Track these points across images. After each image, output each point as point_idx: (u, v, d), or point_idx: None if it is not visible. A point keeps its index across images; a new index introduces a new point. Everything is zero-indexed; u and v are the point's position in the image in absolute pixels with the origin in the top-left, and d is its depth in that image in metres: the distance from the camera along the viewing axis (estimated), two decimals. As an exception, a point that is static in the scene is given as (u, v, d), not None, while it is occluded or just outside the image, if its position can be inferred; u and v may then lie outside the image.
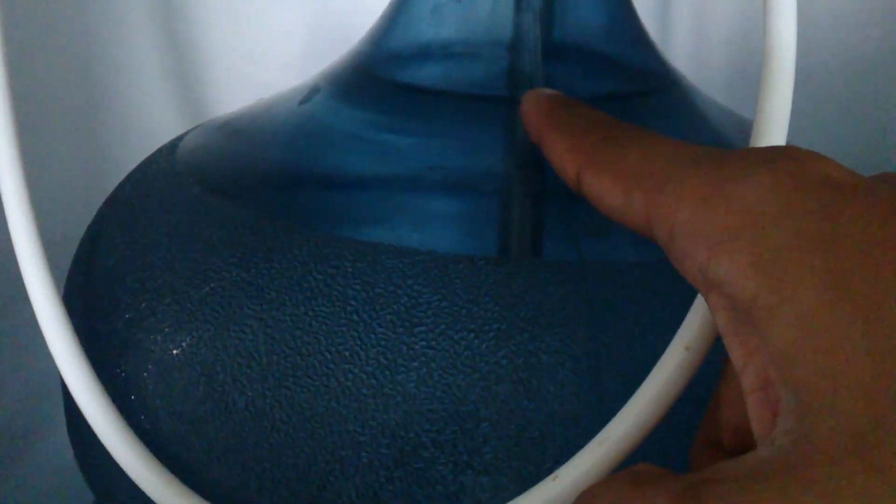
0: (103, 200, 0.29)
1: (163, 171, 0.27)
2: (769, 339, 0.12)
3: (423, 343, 0.20)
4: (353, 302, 0.20)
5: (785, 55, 0.17)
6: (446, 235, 0.23)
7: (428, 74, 0.26)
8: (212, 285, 0.22)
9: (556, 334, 0.20)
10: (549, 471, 0.17)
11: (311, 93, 0.27)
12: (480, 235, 0.23)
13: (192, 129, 0.31)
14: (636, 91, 0.26)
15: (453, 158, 0.24)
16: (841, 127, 0.41)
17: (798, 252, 0.12)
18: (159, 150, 0.29)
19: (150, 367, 0.22)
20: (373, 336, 0.20)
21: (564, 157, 0.18)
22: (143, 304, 0.23)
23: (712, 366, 0.17)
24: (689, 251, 0.14)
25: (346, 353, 0.20)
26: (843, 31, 0.40)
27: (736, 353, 0.13)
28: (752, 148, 0.15)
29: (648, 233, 0.15)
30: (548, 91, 0.22)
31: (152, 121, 0.43)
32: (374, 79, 0.26)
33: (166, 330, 0.22)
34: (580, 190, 0.17)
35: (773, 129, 0.16)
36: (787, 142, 0.18)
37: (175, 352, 0.22)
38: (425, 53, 0.26)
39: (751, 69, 0.32)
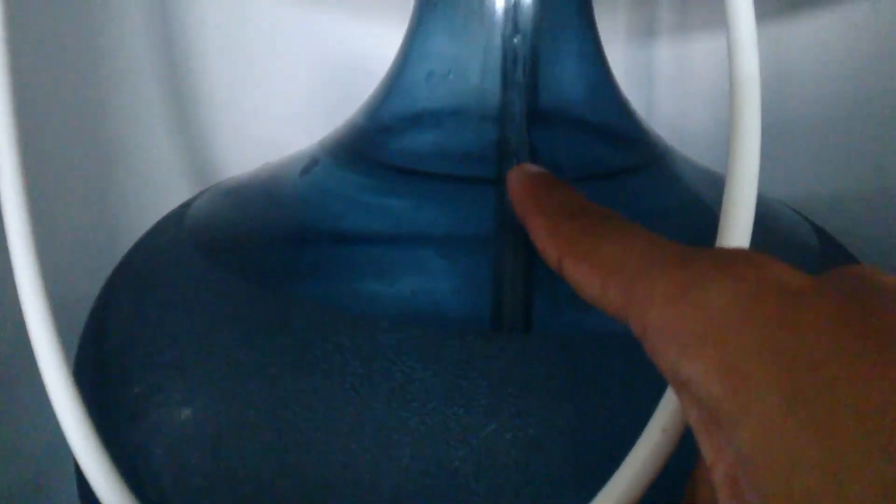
0: (113, 261, 0.30)
1: (171, 241, 0.28)
2: (734, 442, 0.13)
3: (417, 419, 0.20)
4: (350, 377, 0.21)
5: (749, 162, 0.18)
6: (441, 290, 0.24)
7: (420, 145, 0.27)
8: (216, 360, 0.23)
9: (543, 408, 0.21)
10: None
11: (311, 164, 0.29)
12: (472, 296, 0.24)
13: (201, 193, 0.33)
14: (621, 168, 0.27)
15: (444, 230, 0.25)
16: (823, 177, 0.42)
17: (758, 361, 0.13)
18: (168, 218, 0.30)
19: (158, 439, 0.23)
20: (369, 411, 0.21)
21: (547, 243, 0.19)
22: (152, 378, 0.24)
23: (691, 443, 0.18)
24: (660, 350, 0.15)
25: (344, 428, 0.21)
26: (822, 85, 0.41)
27: (706, 448, 0.14)
28: (717, 250, 0.16)
29: (625, 323, 0.16)
30: (532, 169, 0.23)
31: (161, 180, 0.44)
32: (369, 151, 0.27)
33: (174, 403, 0.23)
34: (562, 275, 0.18)
35: (738, 229, 0.17)
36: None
37: (182, 425, 0.23)
38: (418, 123, 0.28)
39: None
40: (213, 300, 0.24)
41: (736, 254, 0.15)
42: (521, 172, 0.23)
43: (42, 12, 0.39)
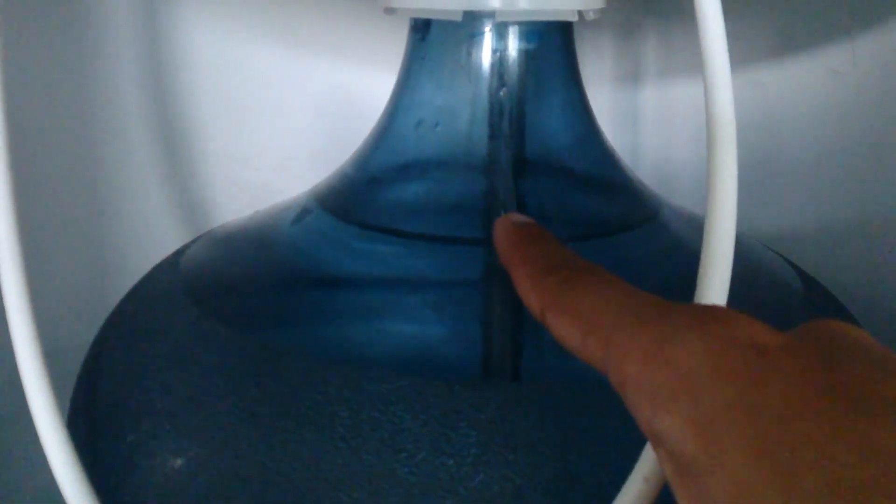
0: (107, 307, 0.30)
1: (163, 291, 0.28)
2: (707, 496, 0.13)
3: (406, 469, 0.21)
4: (339, 428, 0.22)
5: (725, 222, 0.18)
6: (430, 339, 0.25)
7: (409, 196, 0.28)
8: (208, 410, 0.23)
9: (531, 457, 0.21)
10: None
11: (303, 213, 0.29)
12: (462, 345, 0.25)
13: (194, 240, 0.33)
14: (608, 219, 0.28)
15: (433, 280, 0.25)
16: (807, 218, 0.43)
17: (728, 417, 0.13)
18: (160, 266, 0.31)
19: (150, 489, 0.23)
20: (358, 462, 0.21)
21: (530, 295, 0.20)
22: (144, 428, 0.24)
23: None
24: (636, 404, 0.15)
25: (333, 479, 0.21)
26: (806, 128, 0.42)
27: (681, 499, 0.15)
28: (691, 306, 0.16)
29: (606, 375, 0.17)
30: (518, 218, 0.23)
31: (155, 226, 0.45)
32: (358, 203, 0.28)
33: (166, 453, 0.23)
34: (545, 326, 0.19)
35: (715, 284, 0.18)
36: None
37: (174, 475, 0.23)
38: (406, 174, 0.28)
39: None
40: (204, 350, 0.24)
41: (709, 310, 0.16)
42: (507, 222, 0.23)
43: (38, 60, 0.40)
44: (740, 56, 0.43)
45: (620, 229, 0.28)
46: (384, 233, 0.26)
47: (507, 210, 0.26)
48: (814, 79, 0.42)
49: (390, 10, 0.27)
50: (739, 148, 0.41)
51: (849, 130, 0.41)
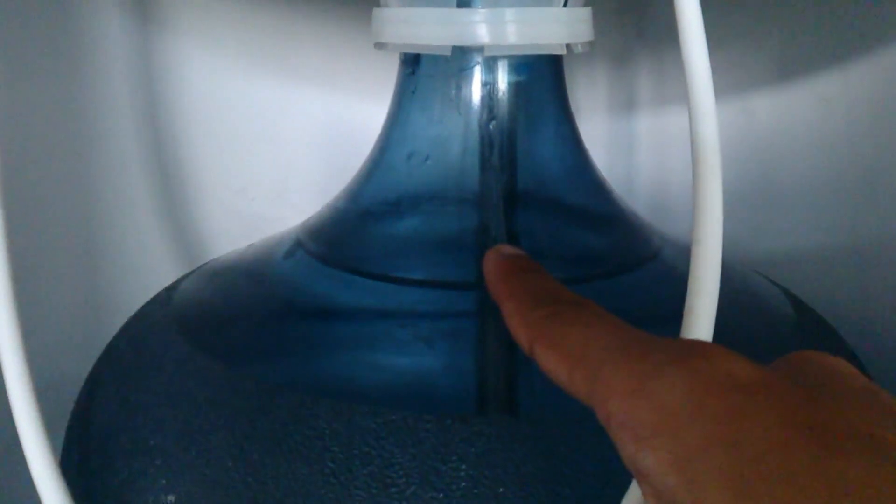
0: (101, 341, 0.30)
1: (156, 327, 0.28)
2: None
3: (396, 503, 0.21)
4: (330, 464, 0.22)
5: (711, 260, 0.18)
6: (424, 373, 0.25)
7: (400, 231, 0.28)
8: (200, 446, 0.23)
9: (520, 492, 0.21)
10: None
11: (294, 247, 0.29)
12: (456, 379, 0.25)
13: (187, 275, 0.33)
14: (608, 270, 0.28)
15: (426, 314, 0.25)
16: (799, 244, 0.43)
17: (709, 454, 0.13)
18: (154, 301, 0.31)
19: (142, 525, 0.23)
20: (348, 497, 0.21)
21: (518, 329, 0.20)
22: (136, 465, 0.24)
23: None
24: (620, 440, 0.15)
25: (325, 514, 0.21)
26: (797, 155, 0.43)
27: None
28: (675, 342, 0.16)
29: (592, 409, 0.17)
30: (508, 250, 0.23)
31: (149, 258, 0.45)
32: (350, 239, 0.28)
33: (159, 490, 0.23)
34: (533, 359, 0.19)
35: (701, 321, 0.18)
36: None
37: (165, 511, 0.23)
38: (398, 208, 0.28)
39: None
40: (197, 386, 0.25)
41: (690, 346, 0.16)
42: (496, 254, 0.23)
43: (32, 91, 0.40)
44: (734, 84, 0.44)
45: (621, 269, 0.28)
46: (375, 279, 0.26)
47: (498, 242, 0.26)
48: (805, 106, 0.42)
49: (380, 46, 0.28)
50: (732, 175, 0.42)
51: (840, 158, 0.41)
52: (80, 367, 0.30)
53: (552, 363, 0.18)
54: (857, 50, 0.40)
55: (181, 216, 0.46)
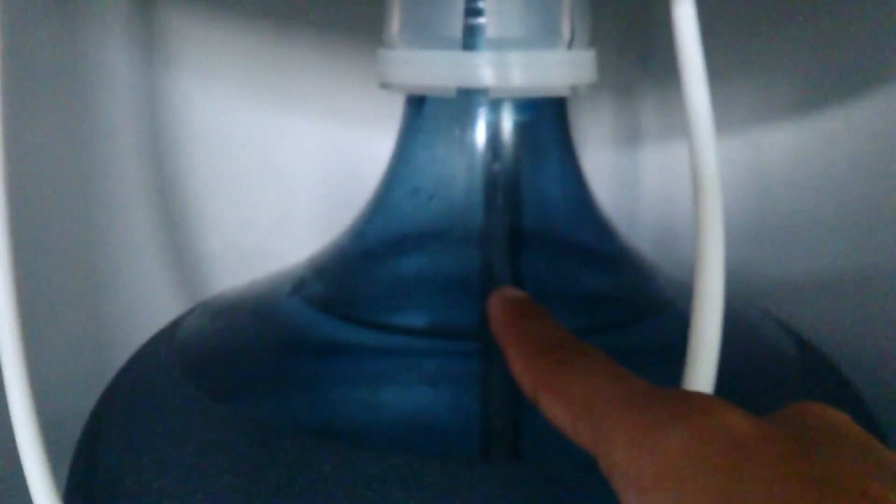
0: (104, 377, 0.30)
1: (159, 366, 0.28)
2: None
3: (400, 550, 0.21)
4: (334, 508, 0.22)
5: (712, 312, 0.18)
6: (429, 417, 0.25)
7: (404, 270, 0.28)
8: (204, 489, 0.23)
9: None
10: None
11: (300, 284, 0.29)
12: (461, 423, 0.25)
13: (190, 311, 0.33)
14: (618, 319, 0.28)
15: (432, 357, 0.25)
16: (804, 281, 0.43)
17: None
18: (157, 338, 0.31)
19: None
20: (353, 543, 0.21)
21: (522, 376, 0.20)
22: (140, 507, 0.24)
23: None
24: (622, 490, 0.15)
25: (328, 560, 0.21)
26: (801, 191, 0.43)
27: None
28: (677, 393, 0.16)
29: (595, 458, 0.17)
30: (512, 294, 0.24)
31: (151, 293, 0.45)
32: (354, 281, 0.28)
33: (161, 533, 0.23)
34: (537, 406, 0.19)
35: (702, 374, 0.18)
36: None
37: (169, 555, 0.23)
38: (402, 248, 0.29)
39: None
40: (200, 428, 0.25)
41: (692, 399, 0.16)
42: (501, 297, 0.23)
43: (34, 128, 0.41)
44: (740, 118, 0.44)
45: (629, 319, 0.28)
46: (378, 328, 0.27)
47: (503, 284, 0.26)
48: (809, 142, 0.42)
49: (386, 86, 0.28)
50: (741, 207, 0.42)
51: (843, 194, 0.41)
52: (83, 402, 0.30)
53: (556, 411, 0.18)
54: (859, 88, 0.40)
55: (183, 250, 0.46)
